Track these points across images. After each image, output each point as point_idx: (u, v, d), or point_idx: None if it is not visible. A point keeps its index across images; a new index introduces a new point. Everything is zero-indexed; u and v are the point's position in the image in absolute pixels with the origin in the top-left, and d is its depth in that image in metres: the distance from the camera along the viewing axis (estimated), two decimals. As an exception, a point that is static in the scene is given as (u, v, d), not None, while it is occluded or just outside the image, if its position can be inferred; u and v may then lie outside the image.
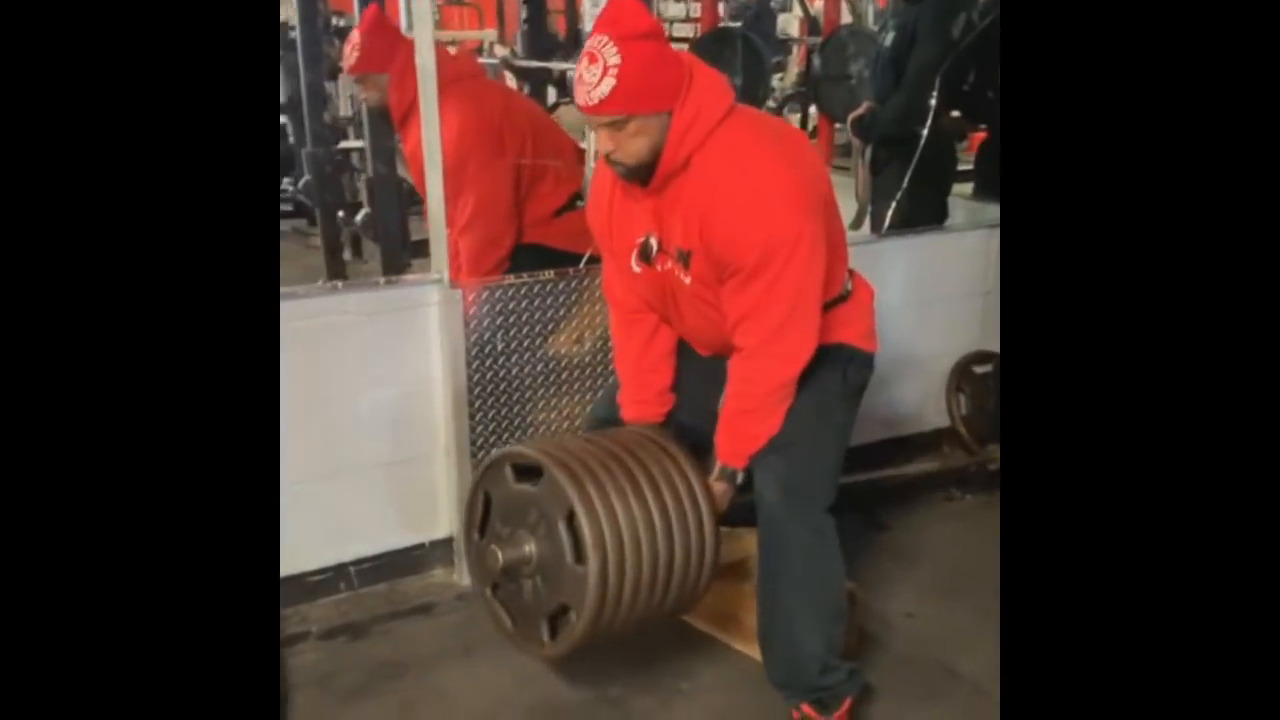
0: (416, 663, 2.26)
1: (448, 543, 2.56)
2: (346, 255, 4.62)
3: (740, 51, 4.41)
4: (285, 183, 5.40)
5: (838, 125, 4.49)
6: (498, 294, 2.44)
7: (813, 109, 5.07)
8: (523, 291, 2.46)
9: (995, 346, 3.03)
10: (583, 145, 2.84)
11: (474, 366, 2.44)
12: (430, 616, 2.44)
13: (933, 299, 3.08)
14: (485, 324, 2.44)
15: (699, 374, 2.01)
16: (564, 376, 2.57)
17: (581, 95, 1.68)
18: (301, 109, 4.56)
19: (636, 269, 1.89)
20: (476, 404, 2.46)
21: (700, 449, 1.91)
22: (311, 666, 2.24)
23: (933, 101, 3.27)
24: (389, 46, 2.64)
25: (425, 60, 2.26)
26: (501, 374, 2.49)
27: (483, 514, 1.91)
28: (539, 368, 2.53)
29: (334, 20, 6.04)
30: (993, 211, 3.19)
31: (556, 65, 4.91)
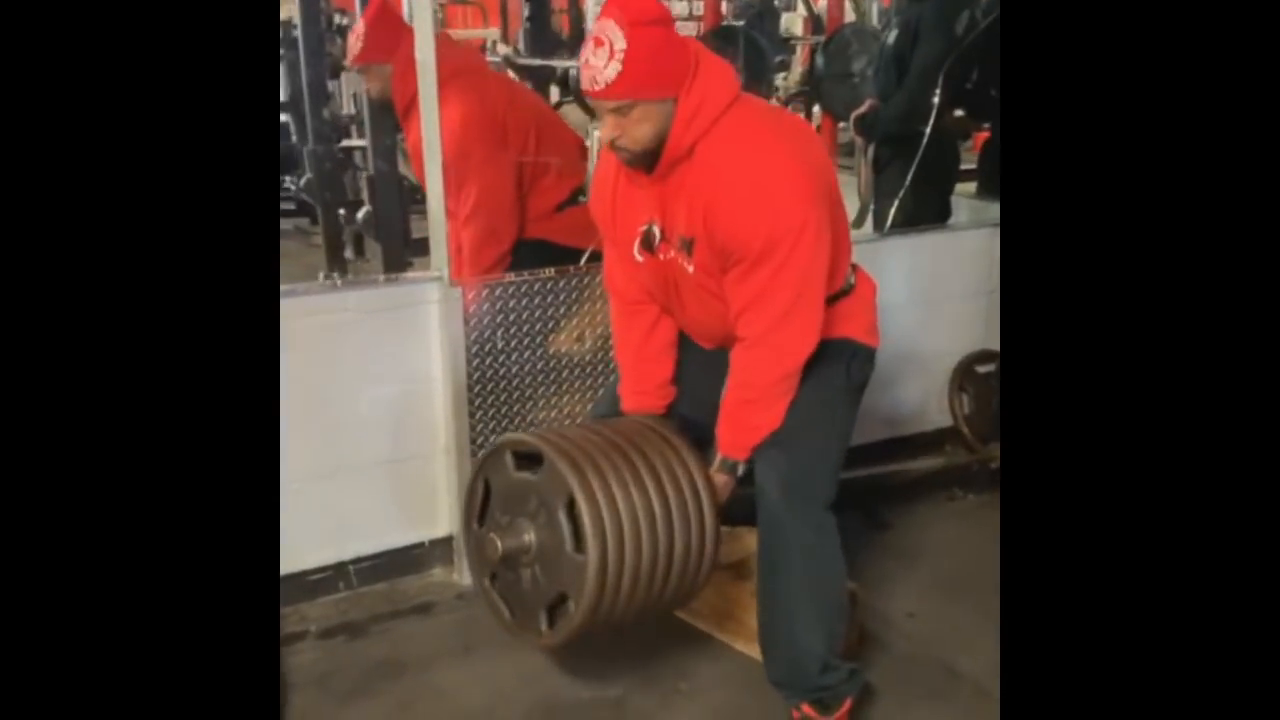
0: (415, 662, 2.25)
1: (447, 542, 2.56)
2: (349, 253, 4.61)
3: (743, 50, 4.40)
4: (287, 181, 5.40)
5: (841, 124, 4.48)
6: (498, 292, 2.44)
7: (816, 108, 5.06)
8: (523, 289, 2.46)
9: (998, 346, 3.02)
10: (587, 144, 2.83)
11: (474, 365, 2.44)
12: (429, 616, 2.43)
13: (935, 298, 3.07)
14: (485, 322, 2.43)
15: (700, 366, 2.00)
16: (564, 375, 2.56)
17: (587, 79, 1.67)
18: (304, 107, 4.55)
19: (639, 258, 1.88)
20: (476, 402, 2.46)
21: (702, 442, 1.90)
22: (310, 666, 2.23)
23: (936, 99, 3.26)
24: (393, 37, 2.63)
25: (425, 56, 2.25)
26: (502, 372, 2.48)
27: (482, 502, 1.90)
28: (539, 366, 2.52)
29: (336, 18, 6.04)
30: (996, 210, 3.17)
31: (559, 64, 4.90)
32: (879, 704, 2.08)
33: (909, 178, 3.30)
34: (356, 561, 2.49)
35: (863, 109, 3.55)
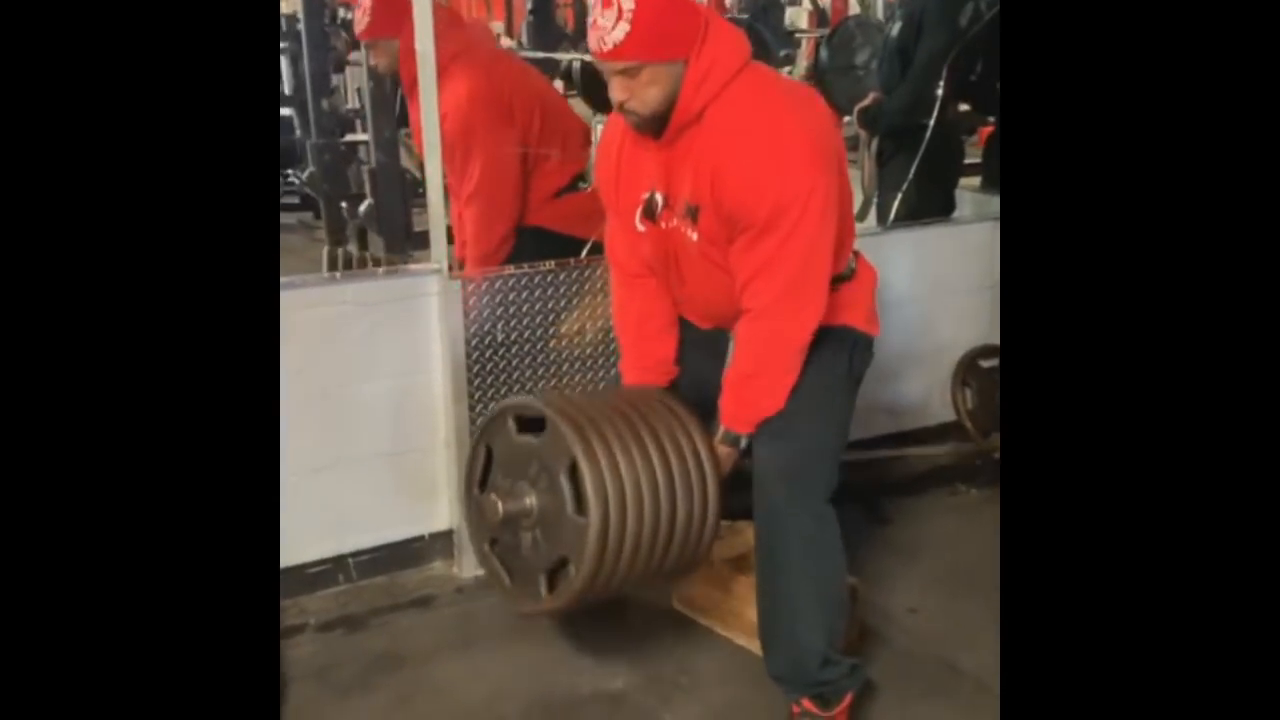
0: (414, 655, 2.24)
1: (447, 535, 2.55)
2: (351, 247, 4.61)
3: (747, 44, 4.38)
4: (290, 174, 5.39)
5: (845, 118, 4.46)
6: (498, 284, 2.43)
7: (820, 101, 5.04)
8: (523, 282, 2.45)
9: (1002, 340, 3.01)
10: (592, 134, 2.83)
11: (474, 357, 2.43)
12: (429, 609, 2.42)
13: (939, 292, 3.06)
14: (485, 314, 2.42)
15: (698, 347, 1.99)
16: (565, 368, 2.56)
17: (595, 41, 1.65)
18: (307, 100, 4.56)
19: (640, 227, 1.86)
20: (476, 395, 2.45)
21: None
22: (309, 659, 2.23)
23: (939, 92, 3.24)
24: (400, 11, 2.60)
25: (424, 46, 2.24)
26: (501, 365, 2.47)
27: (484, 467, 1.89)
28: (539, 359, 2.51)
29: (339, 12, 6.04)
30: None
31: (563, 56, 4.89)
32: (879, 699, 2.07)
33: (913, 171, 3.29)
34: (356, 554, 2.48)
35: (867, 102, 3.53)
